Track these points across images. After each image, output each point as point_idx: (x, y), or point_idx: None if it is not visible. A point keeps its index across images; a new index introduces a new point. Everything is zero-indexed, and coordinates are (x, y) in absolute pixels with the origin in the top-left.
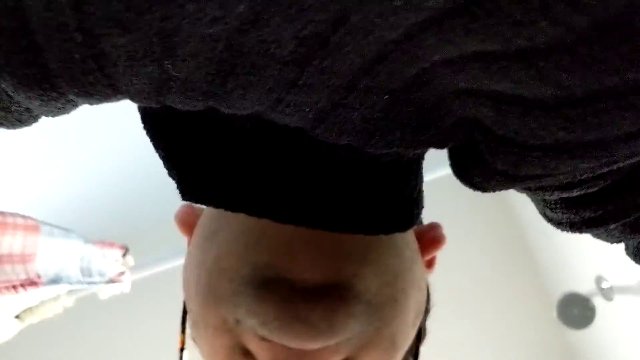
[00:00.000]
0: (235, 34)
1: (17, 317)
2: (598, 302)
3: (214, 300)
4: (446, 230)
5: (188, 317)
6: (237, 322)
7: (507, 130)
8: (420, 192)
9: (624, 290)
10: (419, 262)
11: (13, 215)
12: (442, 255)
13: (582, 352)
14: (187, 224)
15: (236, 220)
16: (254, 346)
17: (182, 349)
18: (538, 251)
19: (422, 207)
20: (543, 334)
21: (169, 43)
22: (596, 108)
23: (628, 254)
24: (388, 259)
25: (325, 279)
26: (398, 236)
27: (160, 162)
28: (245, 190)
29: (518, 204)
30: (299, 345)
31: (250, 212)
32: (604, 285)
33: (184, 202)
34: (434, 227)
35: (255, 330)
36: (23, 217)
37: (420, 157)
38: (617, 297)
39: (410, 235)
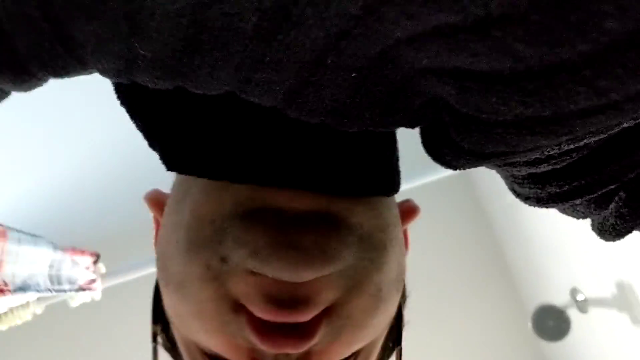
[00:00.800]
0: (198, 8)
1: None
2: (573, 314)
3: (196, 248)
4: (421, 241)
5: (167, 292)
6: (223, 259)
7: (469, 108)
8: (397, 162)
9: (599, 302)
10: (401, 228)
11: None
12: (417, 265)
13: None
14: (158, 202)
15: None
16: (242, 287)
17: (155, 338)
18: (513, 262)
19: (399, 176)
20: (518, 345)
21: (135, 22)
22: (551, 81)
23: (593, 229)
24: (380, 207)
25: (317, 208)
26: (382, 199)
27: (132, 168)
28: (230, 158)
29: (494, 215)
30: (292, 274)
31: (234, 179)
32: (579, 297)
33: (154, 188)
34: (407, 200)
35: (245, 264)
36: None
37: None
38: (592, 310)
39: (393, 201)
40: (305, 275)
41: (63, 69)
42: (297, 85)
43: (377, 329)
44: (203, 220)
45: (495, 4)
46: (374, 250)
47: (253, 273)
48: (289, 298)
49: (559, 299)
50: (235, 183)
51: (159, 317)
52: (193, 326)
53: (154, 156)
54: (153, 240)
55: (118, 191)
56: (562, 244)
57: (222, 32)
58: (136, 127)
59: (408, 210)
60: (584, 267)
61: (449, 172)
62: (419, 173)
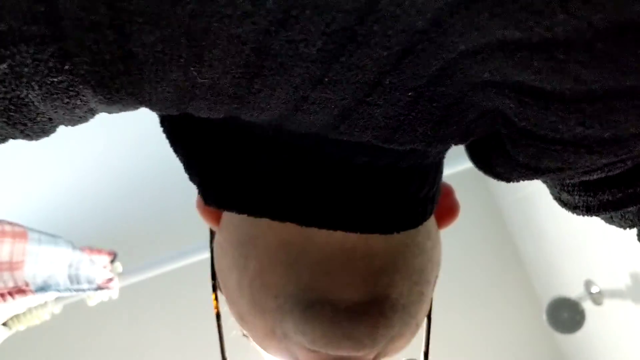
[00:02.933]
0: (263, 36)
1: (4, 324)
2: (587, 306)
3: (261, 311)
4: None
5: (230, 308)
6: (285, 335)
7: (527, 123)
8: (438, 189)
9: (613, 294)
10: (438, 241)
11: (0, 222)
12: None
13: (571, 357)
14: (213, 213)
15: (272, 230)
16: (302, 354)
17: (218, 315)
18: (527, 255)
19: (438, 200)
20: (532, 338)
21: (196, 44)
22: (613, 106)
23: (639, 239)
24: (414, 259)
25: (363, 296)
26: (418, 231)
27: (149, 167)
28: (266, 196)
29: (508, 208)
30: (345, 356)
31: (273, 216)
32: (593, 289)
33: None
34: (447, 194)
35: (304, 345)
36: (10, 223)
37: (442, 158)
38: (607, 302)
39: (426, 230)
40: (357, 356)
41: (117, 93)
42: (353, 104)
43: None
44: (267, 291)
45: (561, 29)
46: (414, 304)
47: (312, 350)
48: None
49: (574, 291)
50: (273, 220)
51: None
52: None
53: (171, 156)
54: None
55: (135, 190)
56: (576, 236)
57: (286, 59)
58: (179, 159)
59: (448, 213)
60: (598, 259)
61: (462, 166)
62: None
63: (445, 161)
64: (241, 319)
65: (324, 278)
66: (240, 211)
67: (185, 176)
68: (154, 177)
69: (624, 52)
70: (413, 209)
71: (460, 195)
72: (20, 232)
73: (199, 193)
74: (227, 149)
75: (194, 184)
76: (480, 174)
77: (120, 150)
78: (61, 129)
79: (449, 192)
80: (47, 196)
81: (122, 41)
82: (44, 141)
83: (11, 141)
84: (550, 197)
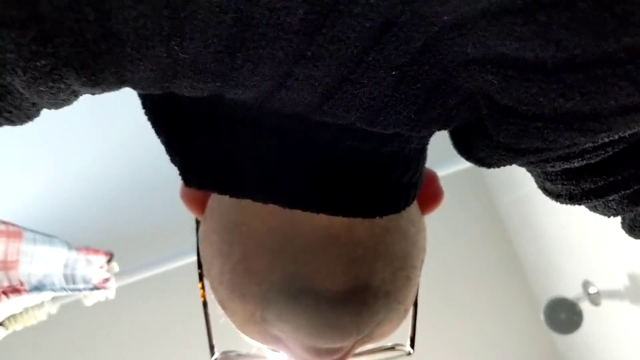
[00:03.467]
0: (243, 4)
1: (0, 324)
2: (585, 307)
3: (241, 295)
4: (432, 235)
5: (210, 285)
6: (264, 319)
7: (510, 99)
8: (421, 175)
9: (611, 294)
10: (422, 227)
11: None
12: (428, 260)
13: (569, 357)
14: (198, 201)
15: (257, 217)
16: (283, 336)
17: (205, 303)
18: (525, 255)
19: (420, 186)
20: (530, 338)
21: (177, 16)
22: (593, 74)
23: (623, 227)
24: (395, 245)
25: (346, 285)
26: (401, 216)
27: (145, 168)
28: (248, 176)
29: (505, 208)
30: (329, 345)
31: (254, 197)
32: (591, 290)
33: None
34: (431, 180)
35: (287, 332)
36: (5, 223)
37: (425, 144)
38: (604, 302)
39: (411, 207)
40: (342, 345)
41: (100, 73)
42: (336, 81)
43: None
44: (251, 277)
45: None
46: (400, 290)
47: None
48: (327, 351)
49: (571, 291)
50: (255, 201)
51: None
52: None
53: (166, 157)
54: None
55: (131, 190)
56: (574, 237)
57: (267, 29)
58: (160, 140)
59: (432, 199)
60: (596, 259)
61: (460, 166)
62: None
63: (443, 161)
64: (222, 305)
65: (308, 266)
66: (221, 192)
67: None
68: (151, 177)
69: (604, 11)
70: (395, 194)
71: (458, 195)
72: (15, 232)
73: (180, 174)
74: (209, 128)
75: (175, 165)
76: (478, 174)
77: (117, 150)
78: (59, 130)
79: (432, 178)
80: (43, 196)
81: (103, 19)
82: (41, 141)
83: (7, 141)
84: (548, 197)
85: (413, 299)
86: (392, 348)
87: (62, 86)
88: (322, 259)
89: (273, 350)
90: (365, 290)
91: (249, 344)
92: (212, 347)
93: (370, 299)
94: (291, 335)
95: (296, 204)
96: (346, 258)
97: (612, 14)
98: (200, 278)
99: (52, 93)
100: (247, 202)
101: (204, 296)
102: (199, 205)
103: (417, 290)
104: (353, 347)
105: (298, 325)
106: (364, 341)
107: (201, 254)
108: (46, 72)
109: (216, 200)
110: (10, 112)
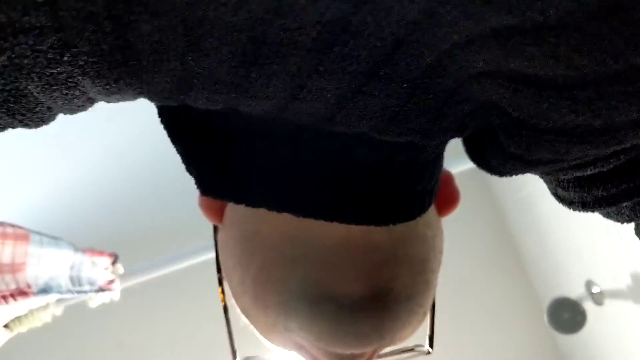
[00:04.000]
0: (258, 24)
1: (5, 326)
2: (588, 306)
3: (264, 306)
4: None
5: (235, 300)
6: (287, 329)
7: (521, 112)
8: (437, 182)
9: (615, 294)
10: (439, 230)
11: (2, 224)
12: None
13: (572, 357)
14: (215, 210)
15: (274, 225)
16: (306, 344)
17: (225, 308)
18: (528, 255)
19: (437, 192)
20: (533, 338)
21: (193, 33)
22: (604, 92)
23: (637, 233)
24: (414, 250)
25: (367, 291)
26: (418, 221)
27: (150, 169)
28: (263, 186)
29: (509, 209)
30: (352, 352)
31: (269, 206)
32: (595, 289)
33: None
34: (447, 182)
35: (309, 340)
36: (12, 226)
37: (442, 151)
38: (608, 302)
39: (426, 221)
40: (364, 351)
41: (116, 84)
42: (349, 93)
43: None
44: (271, 286)
45: (553, 11)
46: (419, 294)
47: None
48: (349, 356)
49: (575, 291)
50: (271, 210)
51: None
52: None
53: (174, 158)
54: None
55: (136, 192)
56: (577, 236)
57: (281, 47)
58: (176, 151)
59: (448, 201)
60: (599, 259)
61: (464, 166)
62: None
63: (446, 161)
64: (245, 313)
65: (327, 273)
66: (237, 201)
67: (188, 178)
68: (156, 179)
69: (613, 33)
70: (410, 201)
71: (462, 195)
72: (22, 235)
73: (196, 184)
74: (225, 139)
75: (192, 175)
76: (481, 174)
77: (122, 152)
78: (64, 132)
79: (449, 179)
80: (49, 198)
81: (120, 31)
82: (46, 143)
83: (13, 144)
84: (551, 197)
85: (432, 301)
86: (411, 349)
87: (77, 93)
88: (340, 265)
89: (297, 356)
90: (386, 295)
91: (271, 350)
92: (234, 352)
93: (391, 304)
94: (314, 344)
95: (310, 213)
96: (365, 263)
97: (622, 36)
98: (220, 282)
99: (66, 99)
100: (263, 211)
101: (224, 300)
102: (217, 213)
103: (435, 291)
104: (375, 351)
105: (320, 333)
106: (385, 345)
107: (220, 260)
108: (62, 80)
109: (233, 209)
110: (24, 114)
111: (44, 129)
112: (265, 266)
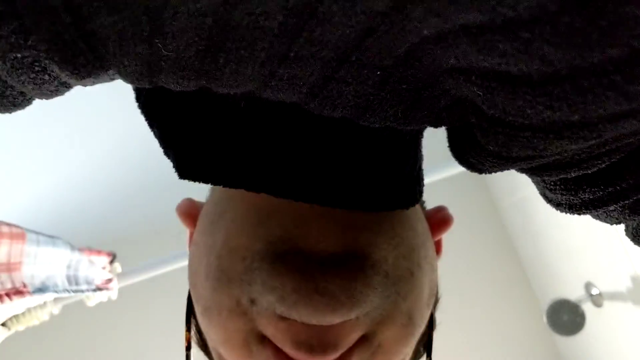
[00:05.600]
0: (222, 8)
1: (3, 324)
2: (588, 308)
3: (227, 281)
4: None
5: (196, 308)
6: (252, 301)
7: (496, 110)
8: (420, 170)
9: (614, 296)
10: (431, 240)
11: None
12: None
13: (571, 359)
14: (190, 215)
15: (242, 201)
16: (271, 329)
17: (188, 347)
18: (527, 257)
19: (423, 185)
20: (533, 340)
21: (157, 21)
22: (579, 85)
23: (627, 235)
24: (402, 231)
25: (341, 248)
26: (410, 211)
27: (147, 168)
28: (243, 166)
29: (507, 210)
30: (319, 319)
31: (249, 187)
32: (594, 291)
33: (185, 197)
34: (441, 209)
35: (273, 308)
36: (8, 225)
37: (419, 134)
38: (607, 304)
39: (420, 213)
40: (333, 319)
41: (84, 68)
42: (321, 80)
43: (409, 349)
44: (234, 254)
45: (524, 6)
46: (401, 281)
47: (282, 317)
48: (318, 342)
49: (574, 293)
50: (249, 190)
51: (192, 323)
52: (221, 349)
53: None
54: (187, 249)
55: (133, 191)
56: (576, 238)
57: (247, 31)
58: (153, 134)
59: (440, 222)
60: (599, 261)
61: (461, 168)
62: (431, 170)
63: (445, 163)
64: (206, 311)
65: (297, 229)
66: (215, 182)
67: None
68: (153, 178)
69: (587, 25)
70: (401, 184)
71: (459, 197)
72: (18, 234)
73: (174, 167)
74: (202, 119)
75: (169, 157)
76: (479, 176)
77: (119, 151)
78: (61, 131)
79: (442, 207)
80: (45, 197)
81: (80, 23)
82: (44, 142)
83: (10, 142)
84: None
85: (420, 310)
86: None
87: (47, 77)
88: (315, 222)
89: None
90: (362, 258)
91: None
92: None
93: (367, 269)
94: (280, 316)
95: (289, 193)
96: (344, 222)
97: (597, 27)
98: (188, 320)
99: (36, 84)
100: (236, 193)
101: (188, 340)
102: (193, 218)
103: (434, 320)
104: (351, 352)
105: (284, 292)
106: (364, 348)
107: (189, 268)
108: (28, 64)
109: (206, 205)
110: None
111: (41, 128)
112: (229, 237)
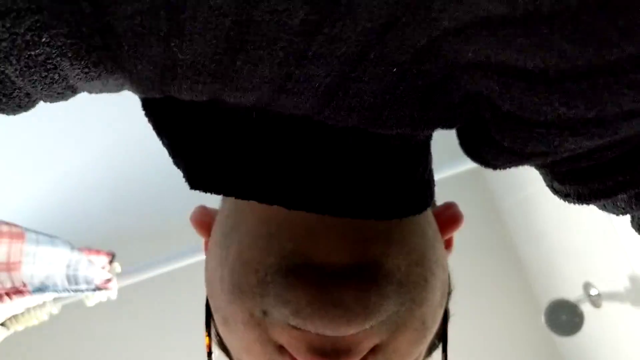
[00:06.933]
0: (243, 7)
1: (2, 324)
2: (586, 308)
3: (240, 294)
4: None
5: (215, 317)
6: (264, 313)
7: (512, 106)
8: (430, 173)
9: (612, 296)
10: (441, 241)
11: None
12: None
13: (570, 359)
14: (204, 224)
15: (254, 213)
16: (285, 338)
17: (209, 353)
18: (526, 257)
19: (434, 187)
20: (531, 340)
21: (176, 17)
22: (597, 83)
23: (633, 225)
24: (413, 238)
25: (354, 259)
26: (420, 215)
27: (147, 168)
28: (255, 177)
29: (507, 210)
30: (334, 331)
31: (261, 199)
32: (592, 291)
33: (198, 205)
34: (450, 206)
35: (287, 320)
36: (7, 224)
37: (429, 138)
38: (605, 304)
39: (429, 216)
40: (348, 330)
41: (95, 67)
42: (338, 80)
43: (422, 348)
44: (247, 267)
45: (547, 3)
46: (414, 288)
47: (296, 327)
48: (332, 350)
49: (572, 293)
50: (261, 202)
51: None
52: (242, 356)
53: (168, 157)
54: (188, 249)
55: (133, 191)
56: (575, 239)
57: (268, 30)
58: (162, 143)
59: (450, 220)
60: (597, 261)
61: (461, 168)
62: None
63: (446, 163)
64: (224, 321)
65: (308, 242)
66: (227, 193)
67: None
68: (153, 178)
69: (607, 23)
70: (412, 191)
71: (460, 197)
72: (17, 233)
73: (184, 177)
74: (214, 130)
75: (179, 168)
76: (480, 176)
77: (118, 151)
78: (61, 130)
79: (452, 204)
80: (45, 197)
81: (99, 13)
82: (42, 141)
83: (10, 142)
84: (549, 199)
85: (433, 314)
86: None
87: (57, 77)
88: (326, 234)
89: None
90: (375, 268)
91: None
92: None
93: (380, 279)
94: (293, 326)
95: (301, 205)
96: (355, 233)
97: (616, 25)
98: (208, 325)
99: (45, 83)
100: (247, 205)
101: (209, 346)
102: (207, 227)
103: (447, 318)
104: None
105: (298, 305)
106: (378, 356)
107: (205, 278)
108: (40, 62)
109: (219, 215)
110: (0, 100)
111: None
112: (242, 250)
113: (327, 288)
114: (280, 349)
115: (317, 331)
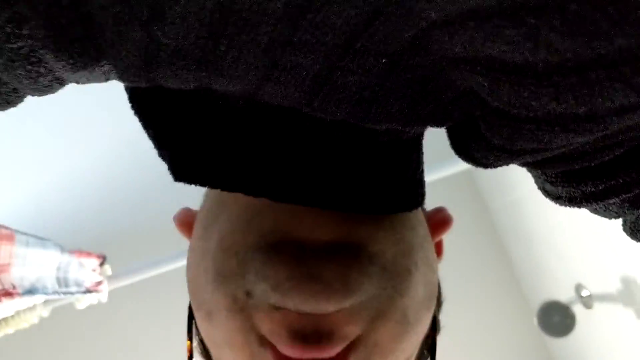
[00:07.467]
0: None
1: None
2: (578, 310)
3: (223, 279)
4: None
5: (197, 316)
6: (248, 294)
7: (501, 102)
8: (422, 173)
9: (604, 298)
10: (431, 243)
11: None
12: None
13: None
14: (187, 224)
15: (235, 203)
16: (267, 324)
17: (190, 357)
18: (518, 259)
19: (424, 187)
20: (523, 342)
21: (157, 2)
22: (587, 78)
23: (624, 229)
24: (403, 230)
25: (337, 237)
26: (412, 213)
27: (138, 170)
28: (241, 169)
29: (498, 211)
30: (313, 306)
31: (247, 190)
32: (584, 293)
33: (183, 207)
34: (440, 210)
35: (268, 298)
36: None
37: (420, 137)
38: (597, 305)
39: (421, 216)
40: (327, 306)
41: (80, 57)
42: (325, 70)
43: (407, 351)
44: (228, 251)
45: None
46: (397, 277)
47: (277, 308)
48: (313, 332)
49: (564, 294)
50: (248, 195)
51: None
52: (224, 354)
53: (161, 161)
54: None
55: (124, 193)
56: (566, 240)
57: (250, 14)
58: (148, 136)
59: (440, 223)
60: (589, 262)
61: (451, 170)
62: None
63: (437, 164)
64: (208, 315)
65: (290, 220)
66: (212, 185)
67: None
68: (145, 181)
69: (596, 12)
70: (402, 188)
71: (450, 199)
72: (7, 235)
73: (169, 169)
74: (200, 120)
75: (164, 160)
76: (470, 178)
77: (110, 153)
78: (52, 132)
79: (442, 208)
80: (35, 199)
81: (77, 4)
82: (33, 143)
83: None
84: (540, 201)
85: (415, 309)
86: None
87: (42, 70)
88: (310, 213)
89: None
90: (358, 248)
91: None
92: None
93: (363, 258)
94: (274, 305)
95: (288, 198)
96: (342, 215)
97: (606, 15)
98: (189, 330)
99: (31, 77)
100: (230, 197)
101: (190, 350)
102: (190, 227)
103: (436, 328)
104: (348, 353)
105: (277, 280)
106: (360, 348)
107: (188, 277)
108: (24, 55)
109: (200, 212)
110: None
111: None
112: (224, 237)
113: (307, 262)
114: (262, 339)
115: (296, 307)
